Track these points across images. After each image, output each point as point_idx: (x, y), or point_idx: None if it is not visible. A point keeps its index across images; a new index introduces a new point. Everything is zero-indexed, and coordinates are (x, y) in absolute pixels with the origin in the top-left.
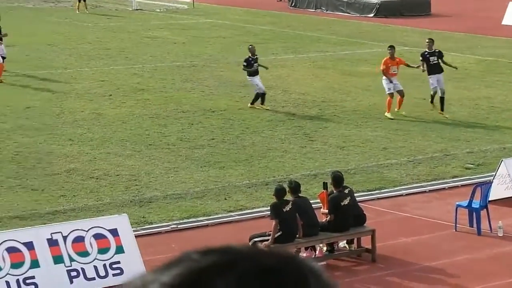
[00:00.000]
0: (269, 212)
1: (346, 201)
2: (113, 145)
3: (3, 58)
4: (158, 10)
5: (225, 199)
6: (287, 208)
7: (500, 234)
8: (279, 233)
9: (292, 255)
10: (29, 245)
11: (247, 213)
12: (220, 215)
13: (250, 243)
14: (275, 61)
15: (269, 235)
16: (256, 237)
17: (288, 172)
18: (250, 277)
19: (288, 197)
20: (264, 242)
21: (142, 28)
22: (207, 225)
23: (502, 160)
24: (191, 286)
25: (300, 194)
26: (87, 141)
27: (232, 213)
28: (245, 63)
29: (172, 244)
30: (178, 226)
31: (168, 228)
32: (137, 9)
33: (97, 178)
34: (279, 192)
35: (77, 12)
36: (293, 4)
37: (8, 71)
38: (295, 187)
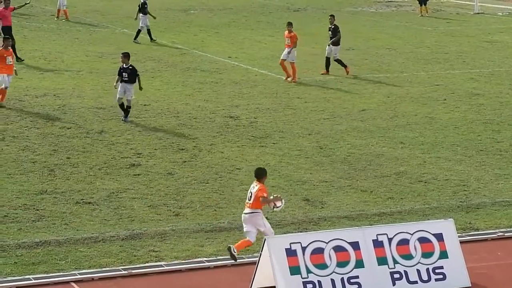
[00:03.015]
0: None
1: None
2: (444, 149)
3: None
4: (501, 13)
5: None
6: None
7: None
8: None
9: None
10: (355, 245)
11: None
12: None
13: None
14: None
15: None
16: None
17: None
18: None
19: None
20: None
21: (482, 32)
22: None
23: None
24: None
25: None
26: (418, 145)
27: None
28: None
29: (498, 252)
30: (505, 234)
31: (495, 235)
32: (478, 13)
33: (425, 182)
34: None
35: (419, 15)
36: None
37: (348, 75)
38: None
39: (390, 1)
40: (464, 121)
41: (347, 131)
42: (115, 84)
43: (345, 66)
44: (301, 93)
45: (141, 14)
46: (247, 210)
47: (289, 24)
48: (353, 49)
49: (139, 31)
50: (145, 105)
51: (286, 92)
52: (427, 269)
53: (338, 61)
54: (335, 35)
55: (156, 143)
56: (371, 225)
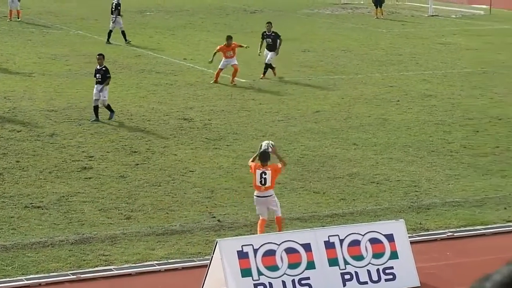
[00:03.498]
0: None
1: None
2: (396, 150)
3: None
4: (454, 16)
5: (505, 208)
6: None
7: None
8: None
9: None
10: (307, 247)
11: None
12: (498, 225)
13: None
14: None
15: None
16: None
17: None
18: None
19: None
20: None
21: (435, 34)
22: (483, 234)
23: None
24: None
25: None
26: (371, 146)
27: (510, 223)
28: None
29: (447, 252)
30: (454, 234)
31: (444, 235)
32: (432, 15)
33: (377, 183)
34: None
35: (375, 18)
36: None
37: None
38: None
39: (346, 4)
40: (417, 122)
41: (301, 133)
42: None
43: (273, 68)
44: (255, 95)
45: (112, 16)
46: (263, 193)
47: (229, 37)
48: (309, 51)
49: (110, 32)
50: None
51: (241, 94)
52: (378, 270)
53: (268, 66)
54: (274, 42)
55: (108, 146)
56: (323, 226)
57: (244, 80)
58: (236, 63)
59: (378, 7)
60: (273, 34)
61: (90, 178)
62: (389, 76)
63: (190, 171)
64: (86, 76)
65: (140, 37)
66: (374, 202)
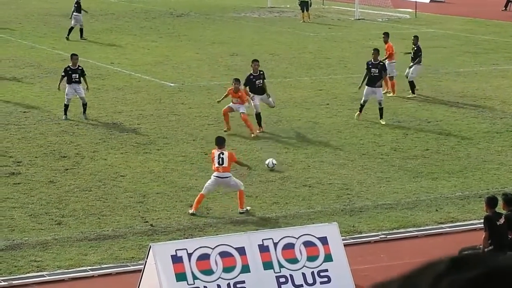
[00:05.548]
0: (482, 225)
1: None
2: (327, 153)
3: None
4: (380, 19)
5: (437, 210)
6: (501, 221)
7: None
8: (490, 247)
9: None
10: (241, 250)
11: (459, 226)
12: (430, 227)
13: None
14: (495, 71)
15: (479, 248)
16: (466, 250)
17: (503, 185)
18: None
19: (502, 210)
20: None
21: (362, 37)
22: (416, 236)
23: None
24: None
25: None
26: (302, 149)
27: (442, 225)
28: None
29: (381, 255)
30: (387, 236)
31: (377, 238)
32: (359, 19)
33: (309, 186)
34: (491, 201)
35: (301, 21)
36: None
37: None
38: (510, 200)
39: (272, 7)
40: (347, 125)
41: (231, 137)
42: (59, 84)
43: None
44: (185, 99)
45: (75, 13)
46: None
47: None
48: (237, 55)
49: (71, 29)
50: (24, 112)
51: (170, 98)
52: (312, 273)
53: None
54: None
55: (36, 151)
56: (256, 230)
57: (173, 84)
58: (244, 111)
59: (305, 11)
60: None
61: (19, 183)
62: (317, 79)
63: (121, 175)
64: (11, 81)
65: (66, 41)
66: (307, 205)
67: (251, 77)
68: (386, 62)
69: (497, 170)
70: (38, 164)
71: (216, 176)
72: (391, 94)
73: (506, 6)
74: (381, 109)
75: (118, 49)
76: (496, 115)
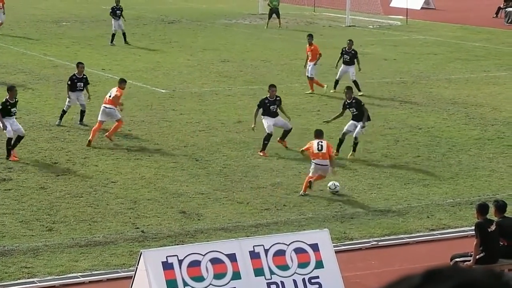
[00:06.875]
0: (474, 231)
1: None
2: None
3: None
4: (371, 26)
5: (428, 217)
6: (492, 228)
7: None
8: (481, 254)
9: (501, 273)
10: (232, 257)
11: (450, 232)
12: (421, 233)
13: (451, 263)
14: (486, 78)
15: (471, 255)
16: (458, 257)
17: (494, 192)
18: None
19: (493, 216)
20: (466, 263)
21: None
22: (407, 243)
23: None
24: None
25: (505, 215)
26: (293, 156)
27: (434, 232)
28: None
29: (372, 261)
30: (379, 243)
31: (369, 244)
32: (350, 26)
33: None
34: (482, 208)
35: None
36: (510, 20)
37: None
38: (501, 207)
39: (263, 14)
40: (338, 132)
41: (222, 143)
42: (68, 93)
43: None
44: (176, 105)
45: (114, 19)
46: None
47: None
48: (228, 61)
49: (114, 35)
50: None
51: (161, 105)
52: (303, 279)
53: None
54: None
55: (27, 157)
56: (247, 236)
57: (164, 91)
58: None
59: (272, 18)
60: None
61: (9, 189)
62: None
63: (112, 182)
64: (2, 87)
65: (57, 48)
66: (298, 212)
67: (266, 101)
68: (310, 63)
69: (488, 177)
70: (29, 170)
71: (315, 163)
72: (309, 91)
73: (497, 13)
74: (356, 144)
75: (109, 55)
76: (487, 122)
